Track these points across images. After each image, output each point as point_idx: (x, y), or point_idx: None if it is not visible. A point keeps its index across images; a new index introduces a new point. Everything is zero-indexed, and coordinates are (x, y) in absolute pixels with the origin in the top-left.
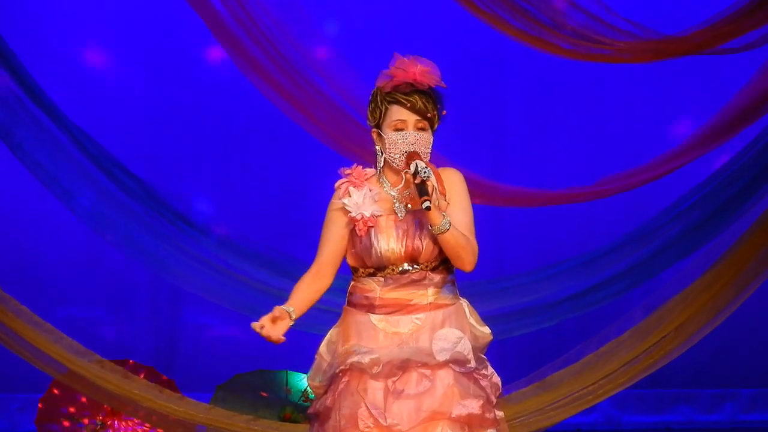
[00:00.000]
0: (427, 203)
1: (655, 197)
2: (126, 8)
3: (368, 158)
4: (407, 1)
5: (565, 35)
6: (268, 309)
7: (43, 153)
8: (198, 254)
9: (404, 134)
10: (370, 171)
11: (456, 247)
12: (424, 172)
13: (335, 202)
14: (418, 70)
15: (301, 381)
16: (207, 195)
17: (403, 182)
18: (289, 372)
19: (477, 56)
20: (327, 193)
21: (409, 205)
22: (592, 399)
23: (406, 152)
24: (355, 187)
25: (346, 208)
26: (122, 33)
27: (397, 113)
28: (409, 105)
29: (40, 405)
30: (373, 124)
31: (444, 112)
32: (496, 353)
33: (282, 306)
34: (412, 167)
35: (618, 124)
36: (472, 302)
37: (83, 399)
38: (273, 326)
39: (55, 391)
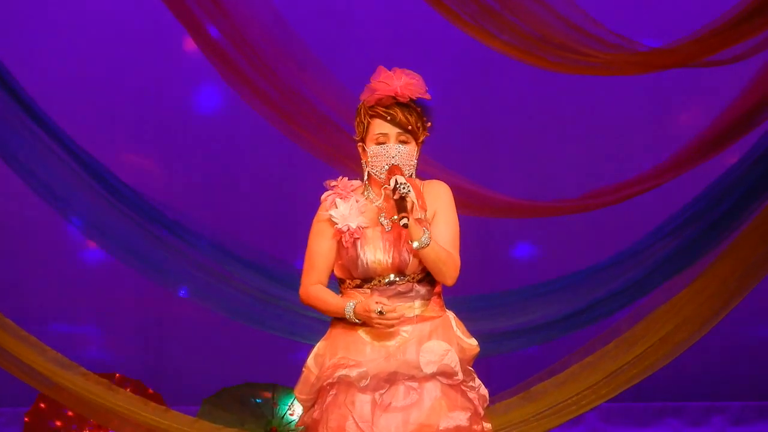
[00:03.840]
0: (404, 220)
1: (646, 216)
2: (124, 22)
3: (358, 168)
4: (395, 13)
5: (551, 48)
6: (262, 316)
7: (37, 163)
8: (193, 260)
9: (385, 147)
10: (356, 182)
11: (436, 261)
12: (403, 187)
13: (322, 214)
14: (401, 83)
15: (288, 394)
16: (199, 203)
17: (383, 196)
18: (275, 385)
19: (464, 67)
20: (318, 200)
21: (394, 217)
22: (576, 410)
23: (387, 165)
24: (341, 198)
25: (333, 219)
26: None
27: (379, 127)
28: (389, 118)
29: (26, 419)
30: (358, 138)
31: (429, 124)
32: (482, 366)
33: (348, 304)
34: (392, 182)
35: (607, 136)
36: (462, 321)
37: (69, 413)
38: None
39: (42, 405)
